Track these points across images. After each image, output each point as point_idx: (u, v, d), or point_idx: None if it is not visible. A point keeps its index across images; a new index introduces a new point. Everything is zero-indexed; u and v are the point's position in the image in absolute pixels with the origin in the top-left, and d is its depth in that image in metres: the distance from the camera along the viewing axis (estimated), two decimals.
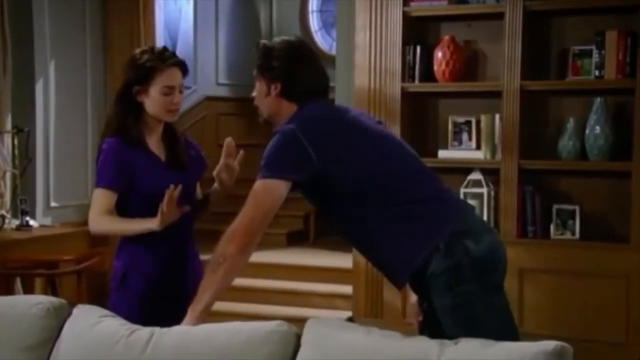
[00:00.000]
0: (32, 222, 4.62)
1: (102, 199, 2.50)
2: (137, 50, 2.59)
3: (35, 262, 4.26)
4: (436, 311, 2.27)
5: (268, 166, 2.25)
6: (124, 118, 2.54)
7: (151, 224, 2.44)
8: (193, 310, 2.22)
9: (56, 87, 5.05)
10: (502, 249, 2.34)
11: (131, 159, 2.52)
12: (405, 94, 4.37)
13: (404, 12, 4.34)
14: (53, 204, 5.04)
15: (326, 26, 7.89)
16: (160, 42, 5.88)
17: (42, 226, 4.76)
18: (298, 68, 2.36)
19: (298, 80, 2.36)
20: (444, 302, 2.24)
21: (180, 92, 2.57)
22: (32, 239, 4.45)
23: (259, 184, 2.24)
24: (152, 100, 2.52)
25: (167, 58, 2.53)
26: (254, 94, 2.43)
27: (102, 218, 2.49)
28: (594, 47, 3.98)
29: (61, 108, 5.09)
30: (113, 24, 5.28)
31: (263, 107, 2.41)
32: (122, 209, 2.53)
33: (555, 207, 4.11)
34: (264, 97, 2.39)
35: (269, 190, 2.25)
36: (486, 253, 2.25)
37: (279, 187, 2.25)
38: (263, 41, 2.43)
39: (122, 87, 2.55)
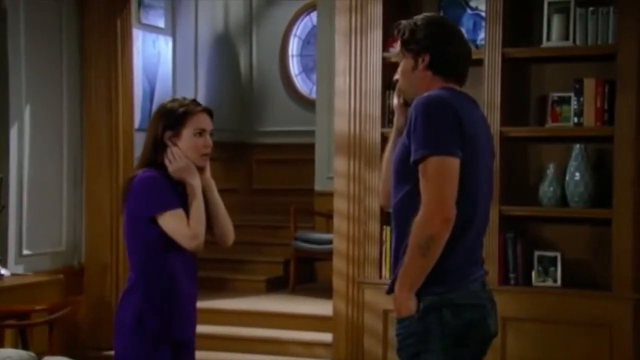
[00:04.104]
0: (3, 271, 4.51)
1: (181, 217, 2.53)
2: (166, 100, 2.72)
3: (5, 313, 4.14)
4: None
5: (430, 141, 2.24)
6: (158, 161, 2.60)
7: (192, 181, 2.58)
8: (407, 295, 2.24)
9: (31, 132, 4.99)
10: (484, 327, 2.33)
11: (171, 189, 2.59)
12: (385, 139, 4.33)
13: (383, 58, 4.34)
14: (26, 251, 4.93)
15: (306, 70, 7.91)
16: (138, 86, 5.85)
17: (14, 275, 4.64)
18: (444, 39, 2.41)
19: (446, 50, 2.40)
20: None
21: (211, 135, 2.67)
22: (3, 289, 4.33)
23: (433, 161, 2.23)
24: (185, 143, 2.60)
25: (197, 104, 2.68)
26: (397, 75, 2.48)
27: (191, 228, 2.54)
28: (572, 94, 4.00)
29: (36, 154, 5.02)
30: (90, 68, 5.25)
31: (408, 84, 2.46)
32: (146, 238, 2.55)
33: (536, 253, 4.07)
34: (411, 72, 2.44)
35: (443, 166, 2.24)
36: (460, 329, 2.26)
37: (452, 163, 2.24)
38: (404, 20, 2.49)
39: (154, 134, 2.62)
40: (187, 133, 2.60)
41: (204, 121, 2.64)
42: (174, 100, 2.69)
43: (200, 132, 2.62)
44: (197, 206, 2.56)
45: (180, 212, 2.54)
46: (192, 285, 2.65)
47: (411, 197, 2.31)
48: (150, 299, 2.55)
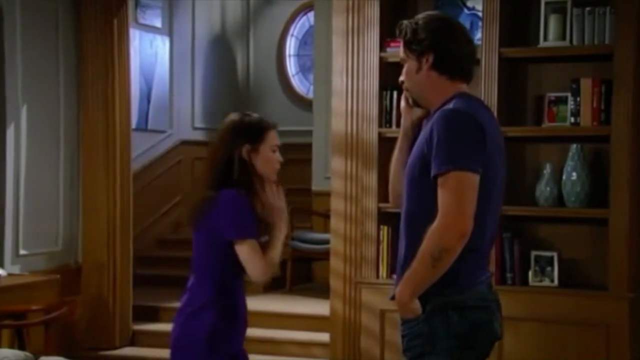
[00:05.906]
0: (0, 271, 4.51)
1: (257, 249, 2.54)
2: (235, 116, 2.70)
3: (2, 313, 4.14)
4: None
5: (454, 156, 2.21)
6: (234, 175, 2.61)
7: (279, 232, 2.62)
8: (409, 299, 2.22)
9: (28, 132, 4.98)
10: (490, 329, 2.31)
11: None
12: (383, 139, 4.35)
13: (380, 58, 4.34)
14: (22, 251, 4.93)
15: (303, 70, 7.92)
16: (135, 86, 5.85)
17: (10, 275, 4.64)
18: (448, 37, 2.34)
19: (449, 49, 2.33)
20: None
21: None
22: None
23: (454, 175, 2.19)
24: (263, 159, 2.64)
25: (270, 121, 2.73)
26: (402, 77, 2.42)
27: (267, 264, 2.57)
28: (569, 94, 4.00)
29: (33, 154, 5.01)
30: (87, 68, 5.24)
31: (413, 86, 2.39)
32: (224, 255, 2.56)
33: (533, 253, 4.08)
34: (415, 73, 2.37)
35: (464, 180, 2.20)
36: (465, 331, 2.25)
37: (473, 178, 2.20)
38: (405, 20, 2.42)
39: (230, 150, 2.62)
40: (264, 149, 2.64)
41: (277, 138, 2.71)
42: (246, 115, 2.72)
43: (276, 149, 2.68)
44: (279, 248, 2.60)
45: (256, 243, 2.56)
46: (245, 303, 2.71)
47: (424, 209, 2.27)
48: (225, 317, 2.58)
